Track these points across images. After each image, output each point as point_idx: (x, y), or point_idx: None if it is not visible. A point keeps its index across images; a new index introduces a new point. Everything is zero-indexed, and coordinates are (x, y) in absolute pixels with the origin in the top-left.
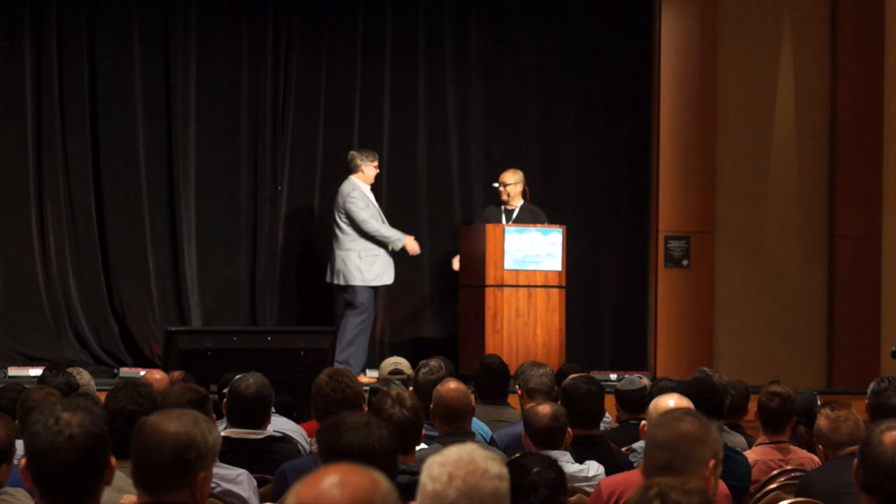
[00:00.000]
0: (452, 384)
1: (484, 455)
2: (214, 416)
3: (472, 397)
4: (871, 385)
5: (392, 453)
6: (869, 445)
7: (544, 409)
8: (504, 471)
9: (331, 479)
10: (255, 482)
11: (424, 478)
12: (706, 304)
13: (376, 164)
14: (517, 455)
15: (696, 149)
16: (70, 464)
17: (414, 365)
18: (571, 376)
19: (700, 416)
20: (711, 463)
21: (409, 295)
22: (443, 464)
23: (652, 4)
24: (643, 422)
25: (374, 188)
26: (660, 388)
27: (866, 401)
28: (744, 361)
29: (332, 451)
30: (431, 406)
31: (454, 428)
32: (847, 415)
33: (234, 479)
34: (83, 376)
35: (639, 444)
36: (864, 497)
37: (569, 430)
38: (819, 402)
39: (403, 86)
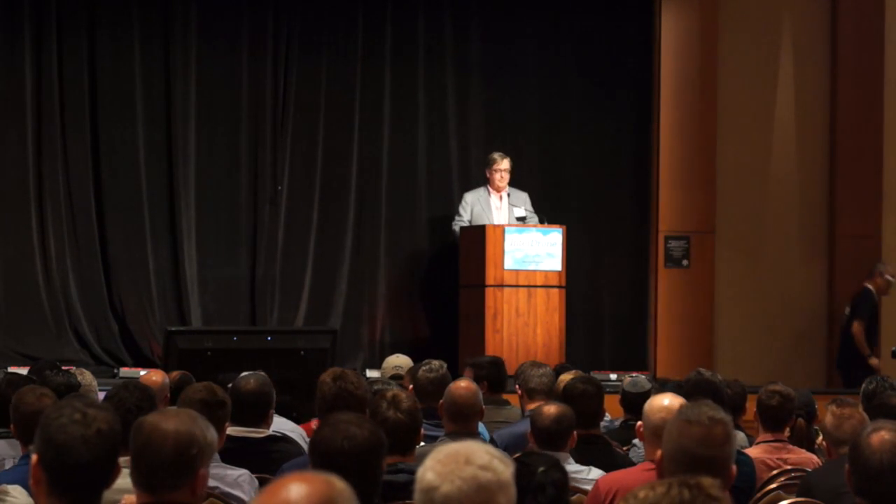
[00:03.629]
0: (464, 383)
1: (476, 447)
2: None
3: None
4: (863, 386)
5: (369, 452)
6: (857, 448)
7: (549, 409)
8: (493, 463)
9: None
10: (256, 482)
11: (420, 470)
12: (706, 304)
13: (497, 166)
14: (519, 455)
15: (696, 149)
16: (98, 458)
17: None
18: (565, 375)
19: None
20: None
21: (410, 295)
22: (438, 455)
23: (652, 4)
24: (639, 422)
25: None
26: (664, 389)
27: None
28: (744, 361)
29: (313, 447)
30: (441, 402)
31: (460, 427)
32: (852, 412)
33: (235, 479)
34: (85, 377)
35: (638, 442)
36: (858, 500)
37: (574, 433)
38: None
39: (403, 86)
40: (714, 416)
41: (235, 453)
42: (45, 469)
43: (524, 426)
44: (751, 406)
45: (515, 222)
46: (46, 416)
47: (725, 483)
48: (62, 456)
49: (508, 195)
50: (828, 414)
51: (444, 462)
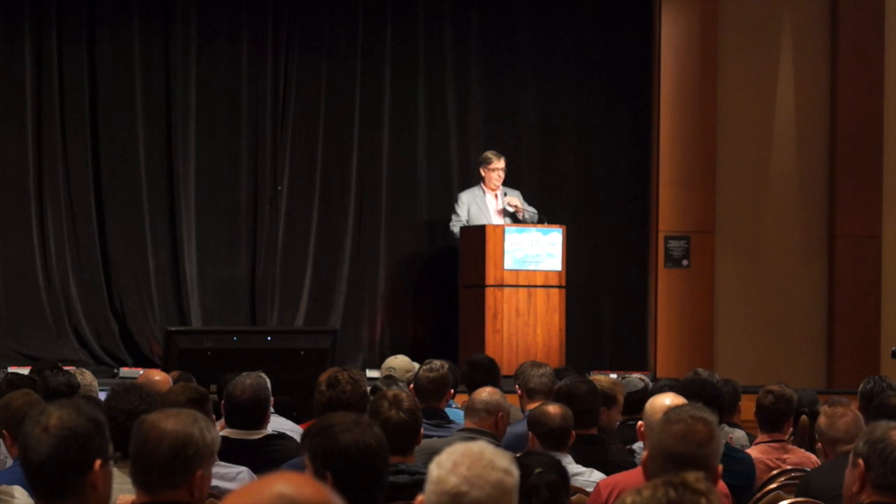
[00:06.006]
0: (489, 388)
1: (493, 450)
2: (213, 416)
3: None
4: (860, 386)
5: (387, 450)
6: (882, 443)
7: (554, 409)
8: (511, 467)
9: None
10: (255, 478)
11: (432, 465)
12: (706, 304)
13: (493, 166)
14: (518, 455)
15: (696, 149)
16: (42, 455)
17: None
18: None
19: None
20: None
21: (409, 295)
22: (451, 452)
23: (652, 4)
24: (640, 422)
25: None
26: (660, 388)
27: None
28: (744, 361)
29: (328, 454)
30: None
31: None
32: (845, 411)
33: (235, 477)
34: (86, 377)
35: (639, 445)
36: (874, 495)
37: (573, 432)
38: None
39: (403, 86)
40: (695, 415)
41: (233, 454)
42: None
43: (524, 426)
44: (749, 406)
45: (513, 221)
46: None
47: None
48: (23, 453)
49: (505, 194)
50: (821, 415)
51: (469, 466)
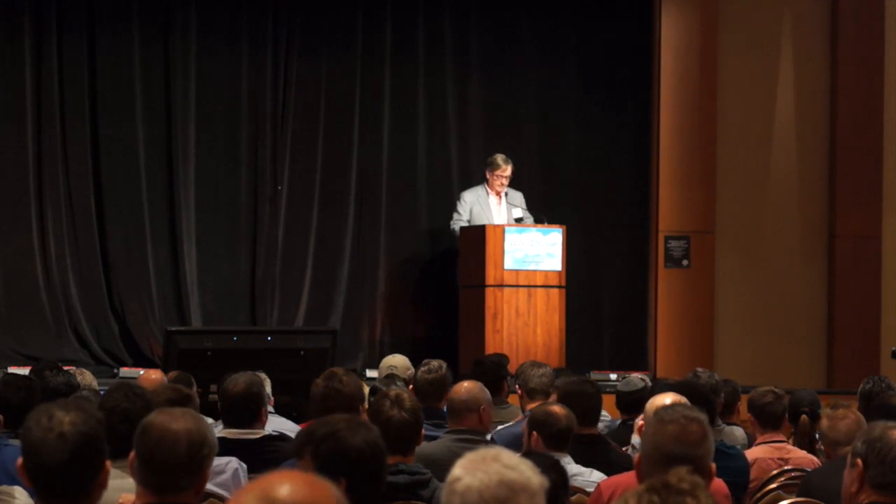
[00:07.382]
0: (466, 383)
1: (516, 456)
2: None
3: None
4: (860, 387)
5: (373, 456)
6: (880, 442)
7: (559, 409)
8: (528, 471)
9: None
10: (245, 467)
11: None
12: (706, 304)
13: (500, 172)
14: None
15: (696, 149)
16: (59, 462)
17: (415, 365)
18: (564, 378)
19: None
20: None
21: (409, 295)
22: (470, 455)
23: (652, 5)
24: (640, 420)
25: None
26: (660, 388)
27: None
28: (744, 361)
29: (341, 458)
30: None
31: (457, 424)
32: (846, 414)
33: (225, 467)
34: (85, 377)
35: (637, 440)
36: (873, 494)
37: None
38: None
39: (403, 86)
40: (689, 415)
41: (232, 455)
42: (25, 470)
43: (520, 426)
44: (743, 407)
45: (514, 222)
46: (27, 419)
47: (704, 482)
48: (30, 459)
49: (506, 195)
50: (823, 417)
51: (473, 459)
